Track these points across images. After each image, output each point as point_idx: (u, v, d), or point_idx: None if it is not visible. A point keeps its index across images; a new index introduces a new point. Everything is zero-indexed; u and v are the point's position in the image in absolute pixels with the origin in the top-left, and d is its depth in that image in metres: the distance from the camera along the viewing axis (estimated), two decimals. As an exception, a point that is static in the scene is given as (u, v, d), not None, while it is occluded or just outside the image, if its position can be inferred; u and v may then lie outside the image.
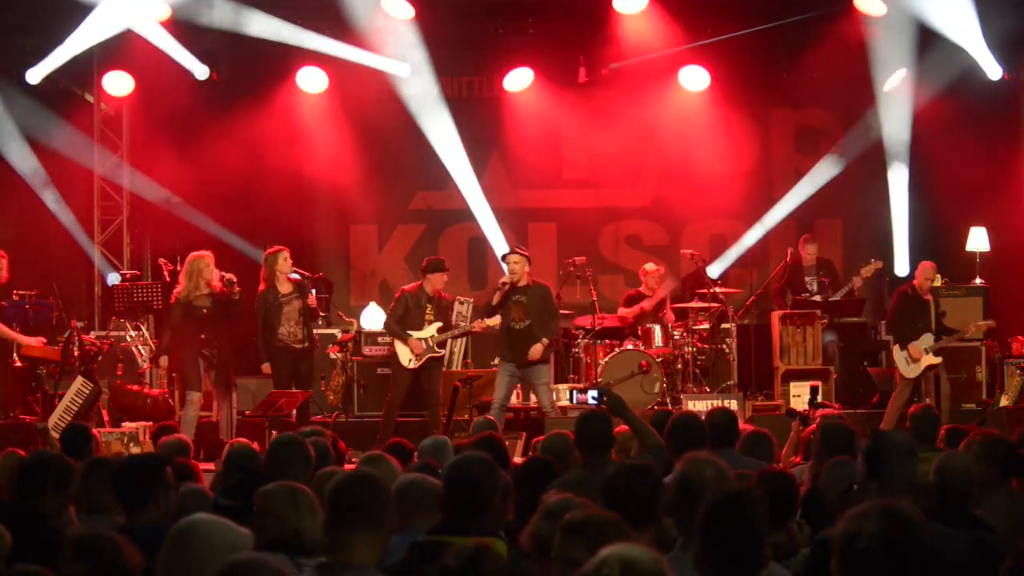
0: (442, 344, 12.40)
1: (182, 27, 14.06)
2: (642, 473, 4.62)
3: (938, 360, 12.83)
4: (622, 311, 14.23)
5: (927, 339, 12.84)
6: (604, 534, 3.57)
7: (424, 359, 12.23)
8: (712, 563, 3.75)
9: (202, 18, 13.85)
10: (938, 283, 13.92)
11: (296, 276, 12.35)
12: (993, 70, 14.32)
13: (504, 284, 12.01)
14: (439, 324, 12.32)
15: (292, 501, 4.77)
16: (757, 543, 3.78)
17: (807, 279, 14.19)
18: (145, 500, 5.17)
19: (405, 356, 12.27)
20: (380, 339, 13.55)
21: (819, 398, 10.50)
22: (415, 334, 12.25)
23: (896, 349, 12.99)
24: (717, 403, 12.54)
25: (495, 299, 12.07)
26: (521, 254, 12.17)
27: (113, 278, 14.46)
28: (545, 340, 12.01)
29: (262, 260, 12.52)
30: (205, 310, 11.79)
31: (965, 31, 13.98)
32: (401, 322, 12.30)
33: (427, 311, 12.31)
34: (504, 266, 12.52)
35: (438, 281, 12.36)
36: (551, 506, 4.35)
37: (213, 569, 3.67)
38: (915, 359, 12.81)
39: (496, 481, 4.62)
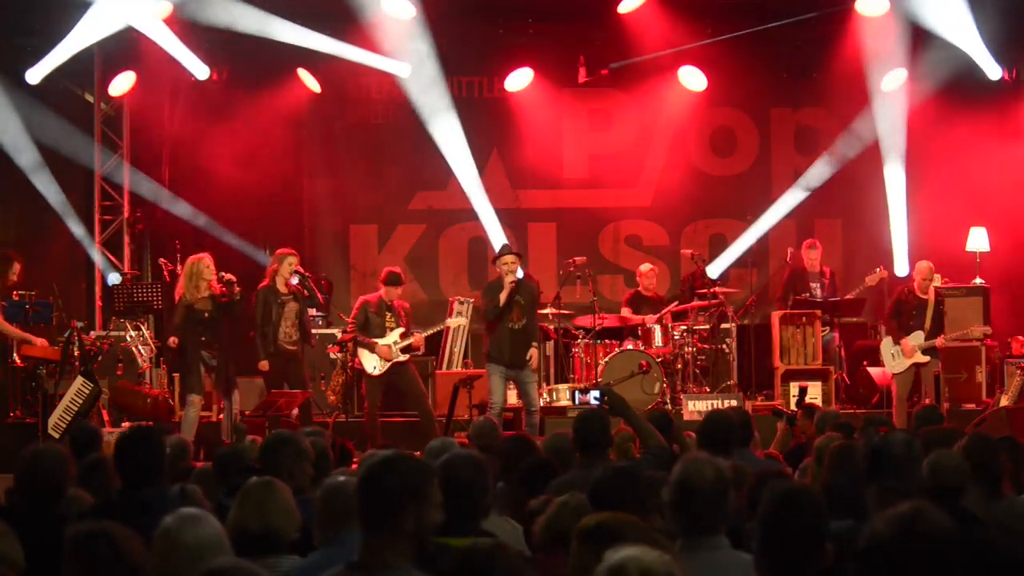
0: (406, 349, 12.46)
1: (183, 25, 14.04)
2: (630, 476, 4.62)
3: (926, 359, 12.81)
4: (625, 312, 14.23)
5: (917, 337, 12.84)
6: (618, 538, 3.55)
7: (388, 367, 12.33)
8: (776, 561, 3.70)
9: (203, 16, 13.82)
10: (938, 282, 13.92)
11: (299, 279, 12.33)
12: (993, 70, 14.34)
13: (512, 283, 11.96)
14: (401, 331, 12.43)
15: (267, 495, 4.80)
16: (821, 538, 3.74)
17: (812, 285, 14.15)
18: (149, 477, 5.22)
19: (369, 364, 12.41)
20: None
21: (807, 398, 10.52)
22: (380, 341, 12.35)
23: (886, 343, 13.01)
24: (717, 403, 12.58)
25: (502, 300, 11.97)
26: (516, 254, 12.21)
27: (113, 278, 14.46)
28: (536, 344, 12.26)
29: (271, 256, 12.61)
30: (207, 313, 11.79)
31: (963, 32, 13.99)
32: (363, 331, 12.44)
33: (388, 318, 12.47)
34: (497, 268, 12.39)
35: (394, 293, 12.57)
36: (568, 501, 4.37)
37: (187, 568, 3.67)
38: (907, 355, 12.80)
39: (487, 480, 4.64)
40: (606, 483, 4.55)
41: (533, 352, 12.14)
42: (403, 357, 12.44)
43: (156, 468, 5.34)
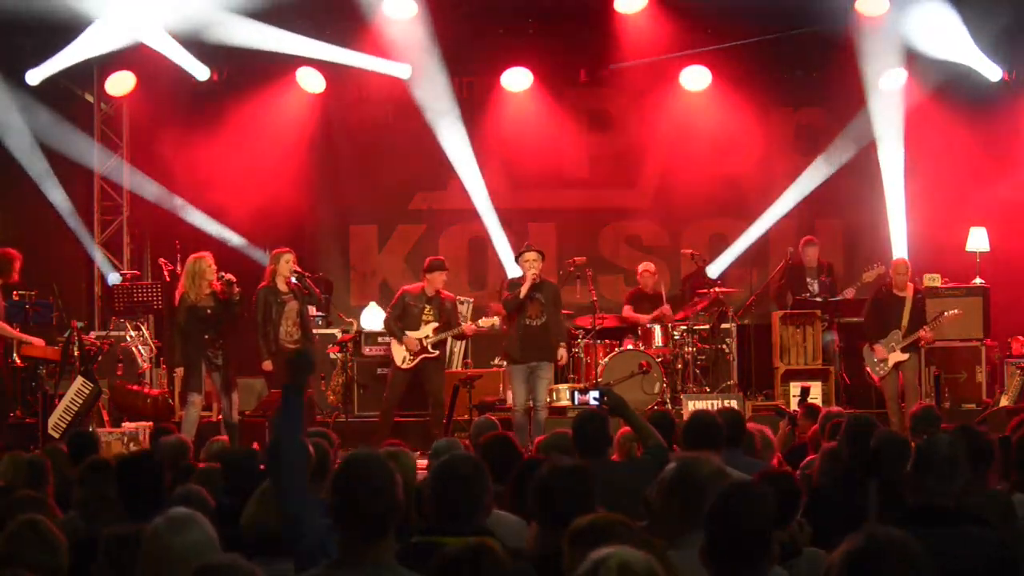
0: (437, 345, 12.37)
1: (183, 35, 14.04)
2: (572, 474, 4.61)
3: (905, 357, 12.73)
4: (626, 309, 14.21)
5: (895, 336, 12.78)
6: (609, 538, 3.56)
7: (417, 359, 12.27)
8: (719, 558, 3.72)
9: (205, 34, 13.82)
10: (937, 282, 13.91)
11: (296, 278, 12.31)
12: (992, 71, 14.34)
13: (535, 277, 11.95)
14: (435, 325, 12.34)
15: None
16: (765, 539, 3.76)
17: (808, 281, 14.16)
18: (151, 504, 5.18)
19: (399, 356, 12.33)
20: (380, 339, 13.58)
21: (809, 398, 10.53)
22: (411, 334, 12.28)
23: (866, 348, 12.96)
24: (717, 403, 12.56)
25: (522, 294, 11.95)
26: (538, 251, 12.21)
27: (113, 278, 14.47)
28: (563, 343, 12.23)
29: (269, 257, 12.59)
30: (209, 311, 11.76)
31: (961, 35, 14.00)
32: (399, 322, 12.36)
33: (425, 311, 12.35)
34: (519, 266, 12.35)
35: (438, 280, 12.40)
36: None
37: (176, 571, 3.67)
38: (880, 358, 12.74)
39: (485, 479, 4.64)
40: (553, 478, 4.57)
41: (562, 352, 12.13)
42: (434, 353, 12.33)
43: (157, 495, 5.27)
